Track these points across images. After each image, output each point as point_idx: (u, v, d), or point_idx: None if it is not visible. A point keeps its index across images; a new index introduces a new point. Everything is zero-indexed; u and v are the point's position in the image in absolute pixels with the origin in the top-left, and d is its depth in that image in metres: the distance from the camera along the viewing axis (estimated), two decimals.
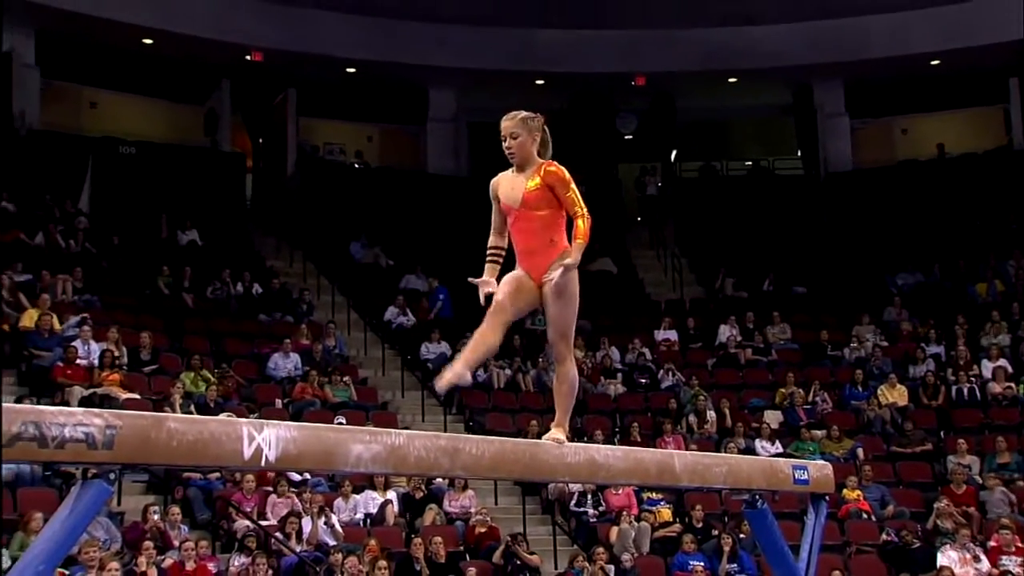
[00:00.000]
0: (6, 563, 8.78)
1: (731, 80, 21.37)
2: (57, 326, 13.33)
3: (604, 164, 21.76)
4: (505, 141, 4.58)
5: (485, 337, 4.41)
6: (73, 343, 12.96)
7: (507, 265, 4.66)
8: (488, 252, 4.70)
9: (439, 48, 20.17)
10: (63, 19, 18.06)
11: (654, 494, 13.13)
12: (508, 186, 4.61)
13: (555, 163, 4.57)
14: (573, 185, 4.55)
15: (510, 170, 4.64)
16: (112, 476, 3.38)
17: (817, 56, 20.51)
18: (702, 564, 11.98)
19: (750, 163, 23.41)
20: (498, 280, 4.58)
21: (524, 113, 4.64)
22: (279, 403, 13.60)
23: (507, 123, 4.60)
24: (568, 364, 4.63)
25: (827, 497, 5.48)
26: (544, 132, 4.66)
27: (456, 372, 4.27)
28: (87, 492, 3.32)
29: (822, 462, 5.74)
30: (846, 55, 20.50)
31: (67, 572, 9.04)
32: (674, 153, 23.03)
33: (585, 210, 4.57)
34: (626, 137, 22.50)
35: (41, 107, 18.69)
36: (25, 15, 17.83)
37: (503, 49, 20.25)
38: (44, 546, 3.27)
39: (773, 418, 15.22)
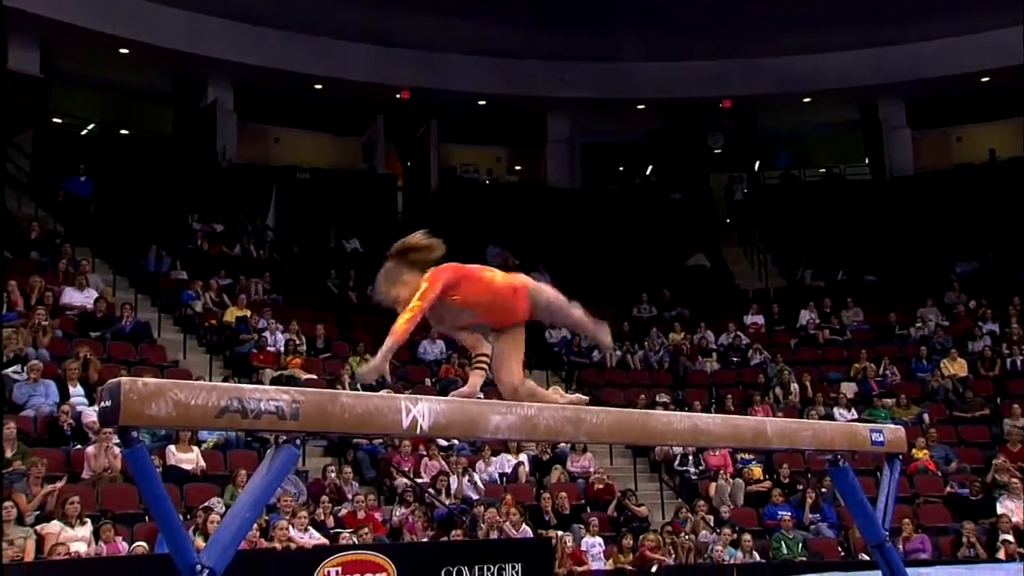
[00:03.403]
0: (221, 509, 9.03)
1: (805, 100, 20.82)
2: (252, 320, 13.69)
3: (697, 175, 21.45)
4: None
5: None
6: (264, 334, 13.30)
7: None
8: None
9: (555, 82, 20.13)
10: (255, 73, 18.63)
11: (747, 455, 12.89)
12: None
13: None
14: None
15: None
16: (298, 442, 3.46)
17: (880, 78, 19.93)
18: (789, 514, 11.76)
19: (824, 171, 22.80)
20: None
21: (387, 265, 4.13)
22: (428, 382, 13.71)
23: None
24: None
25: (900, 456, 5.30)
26: (414, 260, 4.08)
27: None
28: (279, 455, 3.40)
29: (895, 426, 5.56)
30: (906, 76, 19.84)
31: (268, 518, 9.31)
32: (757, 164, 22.58)
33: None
34: (715, 151, 22.11)
35: (238, 144, 19.22)
36: (227, 72, 18.65)
37: (610, 80, 20.10)
38: (248, 498, 3.35)
39: (848, 389, 14.79)
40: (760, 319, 17.14)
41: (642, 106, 20.90)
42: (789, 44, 19.68)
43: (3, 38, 15.82)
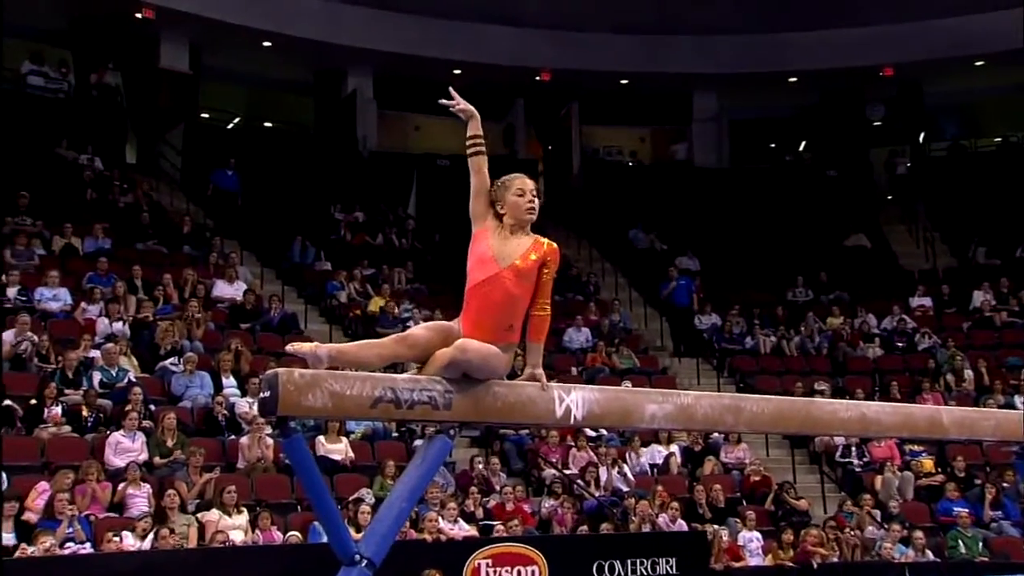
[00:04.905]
0: (371, 500, 9.28)
1: (977, 64, 19.74)
2: (395, 310, 13.93)
3: (855, 150, 20.69)
4: (533, 201, 3.66)
5: (367, 356, 3.52)
6: (408, 323, 13.53)
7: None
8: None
9: (700, 57, 19.75)
10: (393, 61, 19.03)
11: (916, 446, 12.39)
12: (500, 238, 3.67)
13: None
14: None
15: (503, 222, 3.68)
16: (452, 432, 3.51)
17: None
18: (967, 510, 11.25)
19: (998, 140, 21.59)
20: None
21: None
22: (574, 371, 13.67)
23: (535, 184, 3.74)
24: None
25: None
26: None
27: (317, 354, 3.32)
28: (433, 445, 3.46)
29: None
30: None
31: (417, 509, 9.50)
32: (922, 135, 21.60)
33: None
34: (875, 124, 21.28)
35: (378, 133, 19.69)
36: (367, 61, 19.17)
37: (758, 53, 19.56)
38: (404, 488, 3.43)
39: None
40: (928, 301, 16.45)
41: (794, 79, 20.30)
42: (957, 3, 18.69)
43: (155, 37, 16.72)
